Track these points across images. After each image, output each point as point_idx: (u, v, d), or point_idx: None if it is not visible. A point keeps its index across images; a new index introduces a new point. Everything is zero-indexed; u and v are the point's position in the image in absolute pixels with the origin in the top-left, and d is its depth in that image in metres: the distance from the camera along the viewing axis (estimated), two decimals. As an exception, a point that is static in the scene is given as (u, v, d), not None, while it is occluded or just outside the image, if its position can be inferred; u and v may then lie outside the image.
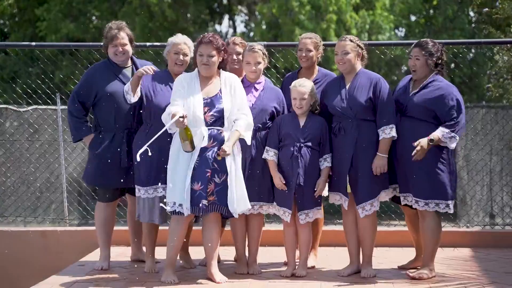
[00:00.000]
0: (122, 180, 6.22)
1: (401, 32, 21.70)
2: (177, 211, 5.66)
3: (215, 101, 5.76)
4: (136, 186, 6.11)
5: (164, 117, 5.71)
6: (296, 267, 6.08)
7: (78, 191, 10.26)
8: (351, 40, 6.01)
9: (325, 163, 5.99)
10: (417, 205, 5.85)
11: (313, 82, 6.22)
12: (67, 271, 6.27)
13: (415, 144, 5.71)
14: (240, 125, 5.72)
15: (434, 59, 5.93)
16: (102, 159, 6.22)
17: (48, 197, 9.79)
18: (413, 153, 5.72)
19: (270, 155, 5.99)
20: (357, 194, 5.92)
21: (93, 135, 6.27)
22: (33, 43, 7.96)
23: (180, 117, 5.49)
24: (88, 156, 6.42)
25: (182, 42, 6.20)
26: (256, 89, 6.12)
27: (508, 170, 10.07)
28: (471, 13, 19.36)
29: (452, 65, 16.48)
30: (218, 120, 5.73)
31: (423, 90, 5.90)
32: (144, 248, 6.56)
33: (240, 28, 24.85)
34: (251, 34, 21.79)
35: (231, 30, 24.42)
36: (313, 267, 6.39)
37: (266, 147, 6.01)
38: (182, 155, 5.67)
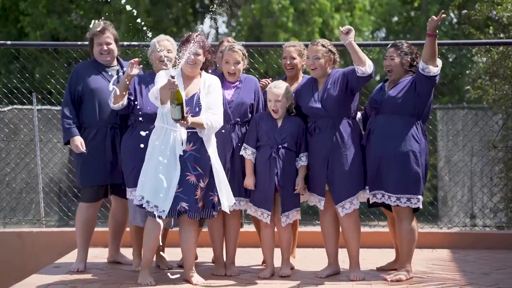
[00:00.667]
0: (107, 177, 6.20)
1: (382, 33, 21.75)
2: (153, 212, 5.60)
3: (194, 101, 5.73)
4: (128, 189, 6.10)
5: (154, 95, 5.64)
6: (280, 268, 6.06)
7: (56, 192, 10.17)
8: (322, 45, 5.98)
9: (300, 162, 5.97)
10: (390, 201, 5.82)
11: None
12: (42, 273, 6.18)
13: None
14: (206, 117, 5.67)
15: (408, 59, 5.94)
16: (86, 156, 6.19)
17: (25, 198, 9.68)
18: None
19: (247, 153, 5.97)
20: (336, 193, 5.90)
21: (79, 137, 6.20)
22: (8, 42, 7.86)
23: (171, 76, 5.42)
24: (73, 156, 6.38)
25: (164, 39, 6.22)
26: (234, 84, 6.11)
27: (487, 171, 10.11)
28: (452, 15, 19.44)
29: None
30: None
31: (396, 86, 5.92)
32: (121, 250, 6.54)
33: (222, 28, 24.78)
34: (233, 34, 21.74)
35: (213, 31, 24.38)
36: (292, 268, 6.37)
37: (244, 145, 5.99)
38: (162, 155, 5.61)
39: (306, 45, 6.22)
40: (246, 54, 6.14)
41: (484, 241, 7.48)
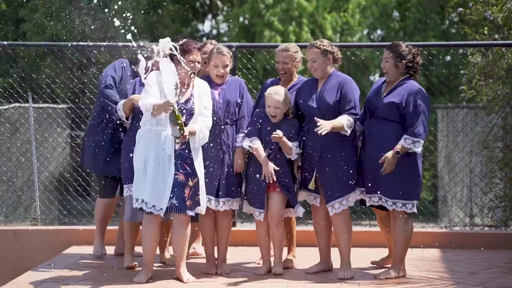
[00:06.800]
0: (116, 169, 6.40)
1: (380, 30, 21.76)
2: (146, 210, 5.71)
3: (187, 104, 5.84)
4: (124, 185, 6.23)
5: (146, 107, 5.73)
6: (273, 266, 6.13)
7: (59, 190, 10.24)
8: (317, 47, 6.05)
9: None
10: (386, 204, 5.90)
11: (291, 87, 6.30)
12: (36, 271, 6.25)
13: (381, 161, 5.79)
14: (199, 123, 5.82)
15: (404, 61, 5.97)
16: (99, 146, 6.43)
17: (23, 196, 9.75)
18: (381, 170, 5.78)
19: (257, 144, 6.00)
20: (326, 193, 6.00)
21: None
22: (5, 42, 7.95)
23: (168, 103, 5.57)
24: (85, 143, 6.54)
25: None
26: (220, 85, 6.20)
27: (486, 171, 10.12)
28: (452, 15, 19.43)
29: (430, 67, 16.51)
30: (186, 123, 5.80)
31: (392, 93, 5.96)
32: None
33: (223, 28, 24.77)
34: (227, 36, 21.91)
35: (214, 30, 24.42)
36: (291, 267, 6.40)
37: (249, 138, 6.03)
38: (155, 156, 5.71)
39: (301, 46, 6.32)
40: (232, 55, 6.24)
41: (474, 240, 7.51)
